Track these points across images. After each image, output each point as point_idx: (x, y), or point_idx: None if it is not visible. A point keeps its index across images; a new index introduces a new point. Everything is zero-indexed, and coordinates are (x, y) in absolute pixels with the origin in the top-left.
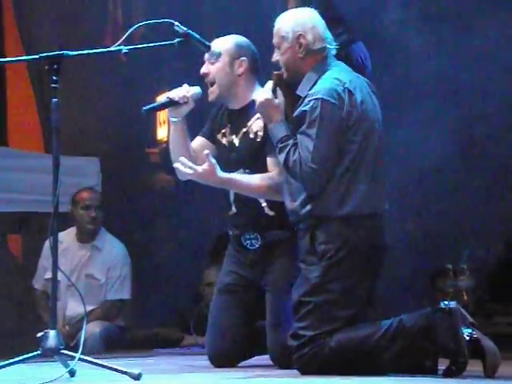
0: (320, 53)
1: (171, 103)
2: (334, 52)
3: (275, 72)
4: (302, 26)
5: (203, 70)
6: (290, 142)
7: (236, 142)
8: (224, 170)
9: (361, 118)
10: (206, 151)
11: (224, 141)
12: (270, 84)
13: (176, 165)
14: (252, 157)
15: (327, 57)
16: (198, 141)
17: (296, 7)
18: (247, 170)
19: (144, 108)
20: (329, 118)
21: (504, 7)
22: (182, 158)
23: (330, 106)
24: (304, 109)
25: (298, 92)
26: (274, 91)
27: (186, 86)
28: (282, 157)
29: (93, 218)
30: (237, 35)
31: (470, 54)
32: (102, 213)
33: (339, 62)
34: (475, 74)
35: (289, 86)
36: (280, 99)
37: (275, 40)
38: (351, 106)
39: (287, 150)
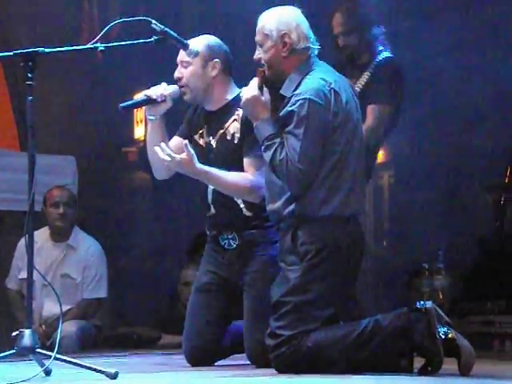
0: (304, 52)
1: (149, 101)
2: (316, 52)
3: (260, 69)
4: (287, 24)
5: (176, 74)
6: (277, 140)
7: (213, 143)
8: None
9: (346, 119)
10: (185, 141)
11: (201, 141)
12: (255, 81)
13: (156, 148)
14: (229, 158)
15: (310, 56)
16: (175, 141)
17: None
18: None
19: (121, 105)
20: (316, 118)
21: None
22: (162, 144)
23: (317, 107)
24: (291, 108)
25: (282, 92)
26: (260, 88)
27: (164, 84)
28: (267, 155)
29: (61, 215)
30: (208, 36)
31: None
32: (73, 210)
33: (322, 61)
34: None
35: (271, 85)
36: (266, 97)
37: (258, 38)
38: (337, 106)
39: (274, 148)
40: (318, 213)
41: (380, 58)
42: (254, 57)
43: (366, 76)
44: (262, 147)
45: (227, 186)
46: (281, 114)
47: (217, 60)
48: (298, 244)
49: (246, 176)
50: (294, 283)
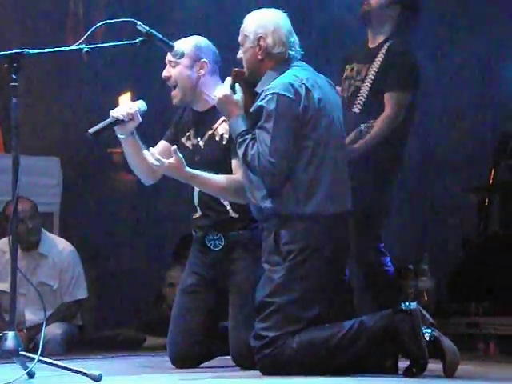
0: (280, 56)
1: (116, 122)
2: (298, 56)
3: (234, 68)
4: (264, 28)
5: (164, 73)
6: (249, 136)
7: (201, 144)
8: None
9: (318, 115)
10: (174, 146)
11: (188, 144)
12: (228, 80)
13: (145, 153)
14: (217, 159)
15: (288, 60)
16: (161, 145)
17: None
18: (212, 172)
19: (89, 131)
20: (285, 111)
21: None
22: (151, 149)
23: (286, 100)
24: (260, 103)
25: (257, 89)
26: (232, 87)
27: (128, 102)
28: (240, 151)
29: (29, 230)
30: (197, 36)
31: None
32: (38, 220)
33: (302, 63)
34: None
35: (250, 84)
36: (239, 95)
37: (240, 38)
38: (308, 100)
39: (245, 144)
40: (299, 211)
41: (391, 42)
42: (237, 55)
43: (378, 61)
44: (236, 144)
45: (215, 188)
46: (252, 109)
47: (205, 60)
48: (280, 244)
49: (233, 178)
50: (278, 283)
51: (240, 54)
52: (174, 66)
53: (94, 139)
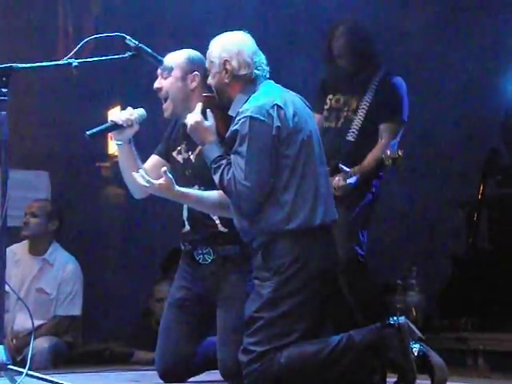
0: (247, 77)
1: (115, 127)
2: (265, 74)
3: (204, 94)
4: (228, 51)
5: (156, 84)
6: (224, 161)
7: (192, 158)
8: (180, 185)
9: (294, 131)
10: (164, 168)
11: (179, 158)
12: (199, 106)
13: (135, 175)
14: (207, 173)
15: (255, 79)
16: (153, 159)
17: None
18: (202, 187)
19: (88, 132)
20: (258, 134)
21: None
22: (141, 171)
23: (259, 123)
24: (234, 128)
25: (230, 112)
26: (203, 113)
27: (129, 108)
28: (216, 177)
29: (24, 223)
30: (189, 50)
31: None
32: (40, 221)
33: (269, 81)
34: None
35: (222, 108)
36: (210, 121)
37: (207, 64)
38: (280, 120)
39: (221, 170)
40: (284, 227)
41: (381, 75)
42: (207, 81)
43: (370, 94)
44: (212, 170)
45: (206, 205)
46: (227, 135)
47: (196, 73)
48: (269, 260)
49: (223, 193)
50: (267, 298)
51: (209, 80)
52: (165, 78)
53: (90, 139)
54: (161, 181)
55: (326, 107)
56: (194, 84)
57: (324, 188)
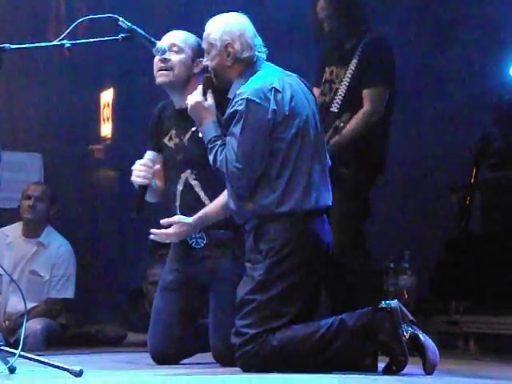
0: (249, 60)
1: (144, 188)
2: (264, 57)
3: (206, 75)
4: (230, 34)
5: (166, 55)
6: (219, 142)
7: (185, 141)
8: (172, 172)
9: (290, 115)
10: (175, 220)
11: (171, 143)
12: (200, 87)
13: (153, 235)
14: (200, 157)
15: (256, 62)
16: (151, 156)
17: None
18: (195, 171)
19: (133, 214)
20: (253, 116)
21: None
22: (153, 230)
23: (255, 106)
24: (231, 110)
25: (229, 96)
26: (204, 94)
27: (138, 163)
28: (211, 157)
29: (30, 207)
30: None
31: None
32: (44, 205)
33: (269, 64)
34: None
35: (219, 90)
36: (210, 101)
37: (204, 45)
38: (277, 104)
39: (215, 150)
40: (276, 210)
41: (366, 40)
42: (203, 63)
43: (355, 61)
44: (208, 150)
45: (220, 214)
46: (224, 116)
47: (201, 59)
48: (260, 243)
49: (225, 193)
50: (258, 281)
51: (206, 62)
52: (176, 52)
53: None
54: (175, 229)
55: (323, 80)
56: (198, 70)
57: (318, 173)
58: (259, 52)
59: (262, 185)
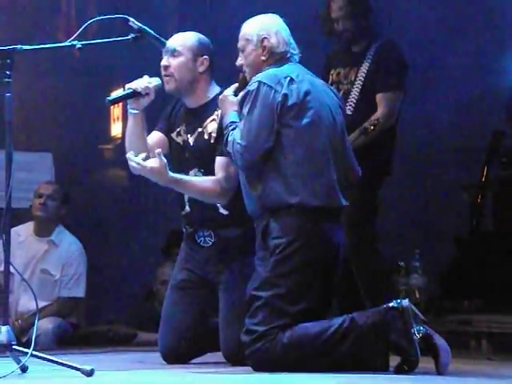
0: (282, 55)
1: (134, 94)
2: (297, 57)
3: (241, 74)
4: (267, 30)
5: (164, 62)
6: (233, 126)
7: (191, 141)
8: (178, 168)
9: (302, 106)
10: (158, 150)
11: (179, 139)
12: (235, 85)
13: (128, 155)
14: (205, 157)
15: (289, 59)
16: (155, 136)
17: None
18: (202, 170)
19: (108, 98)
20: (262, 98)
21: None
22: (129, 154)
23: (266, 88)
24: (244, 92)
25: None
26: (237, 93)
27: (146, 77)
28: (224, 141)
29: (41, 205)
30: (197, 33)
31: None
32: (56, 204)
33: (300, 65)
34: None
35: None
36: (238, 98)
37: (240, 44)
38: (289, 90)
39: (227, 133)
40: (285, 201)
41: (379, 43)
42: (236, 63)
43: (367, 63)
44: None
45: (198, 192)
46: (239, 96)
47: (206, 57)
48: (268, 239)
49: (215, 180)
50: (265, 278)
51: (240, 61)
52: (175, 56)
53: (110, 105)
54: (154, 164)
55: (330, 82)
56: (203, 68)
57: (332, 171)
58: (293, 50)
59: (270, 169)
